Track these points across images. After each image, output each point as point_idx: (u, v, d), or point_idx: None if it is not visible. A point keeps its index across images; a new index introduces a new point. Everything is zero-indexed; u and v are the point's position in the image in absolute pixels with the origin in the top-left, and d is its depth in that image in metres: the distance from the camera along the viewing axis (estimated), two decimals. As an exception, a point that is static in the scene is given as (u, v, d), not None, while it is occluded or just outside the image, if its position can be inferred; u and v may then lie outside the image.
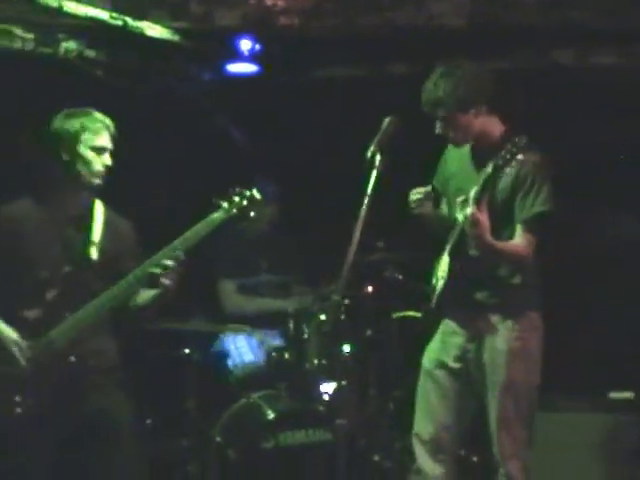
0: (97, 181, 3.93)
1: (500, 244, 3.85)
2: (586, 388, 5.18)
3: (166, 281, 3.84)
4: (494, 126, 3.97)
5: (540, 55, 5.79)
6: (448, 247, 3.96)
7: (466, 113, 3.88)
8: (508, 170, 3.75)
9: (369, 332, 5.37)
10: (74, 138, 3.88)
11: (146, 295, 4.01)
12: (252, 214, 4.07)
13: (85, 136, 3.88)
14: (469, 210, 3.73)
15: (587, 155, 5.88)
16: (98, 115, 3.94)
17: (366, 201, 3.84)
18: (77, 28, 5.27)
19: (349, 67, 5.93)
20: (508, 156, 3.68)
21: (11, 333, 3.79)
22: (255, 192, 4.08)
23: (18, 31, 5.12)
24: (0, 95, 5.28)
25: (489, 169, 3.73)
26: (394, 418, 5.39)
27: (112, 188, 3.97)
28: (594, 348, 5.74)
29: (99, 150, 3.90)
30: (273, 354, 5.26)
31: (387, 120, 3.95)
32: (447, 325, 4.09)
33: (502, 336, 3.91)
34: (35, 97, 5.38)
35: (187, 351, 5.14)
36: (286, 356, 5.20)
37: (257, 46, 5.67)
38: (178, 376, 5.20)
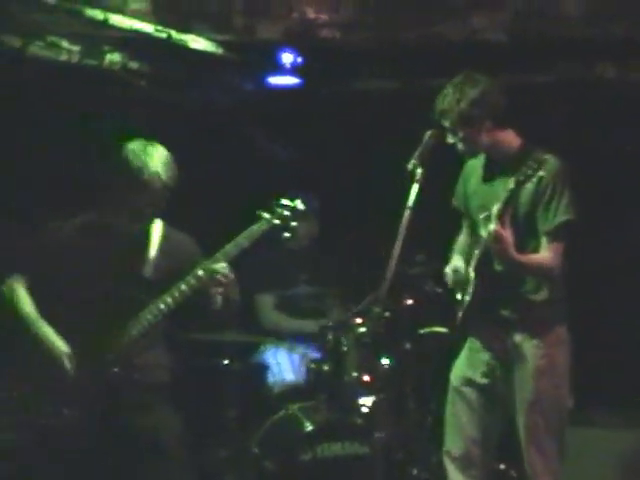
0: (152, 211, 4.03)
1: (525, 258, 3.86)
2: (623, 403, 5.17)
3: (217, 292, 3.91)
4: (507, 139, 3.99)
5: (584, 68, 5.79)
6: (473, 263, 3.97)
7: (470, 128, 3.91)
8: (529, 184, 3.77)
9: (408, 345, 5.42)
10: (133, 174, 3.91)
11: (217, 303, 4.04)
12: (294, 225, 4.10)
13: (144, 177, 3.90)
14: (492, 226, 3.75)
15: (627, 168, 5.88)
16: (158, 156, 3.95)
17: (407, 214, 3.90)
18: (121, 40, 5.38)
19: (390, 80, 5.97)
20: (530, 172, 3.70)
21: (61, 344, 3.88)
22: (298, 203, 4.12)
23: (64, 43, 5.23)
24: (45, 106, 5.43)
25: (512, 185, 3.74)
26: (432, 432, 5.39)
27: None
28: (631, 362, 5.67)
29: (155, 191, 3.95)
30: (312, 366, 5.27)
31: (428, 133, 4.00)
32: (473, 342, 4.11)
33: (528, 354, 3.92)
34: (80, 108, 5.53)
35: (227, 362, 5.21)
36: (325, 368, 5.20)
37: (299, 59, 5.74)
38: (217, 387, 5.26)
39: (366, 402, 5.21)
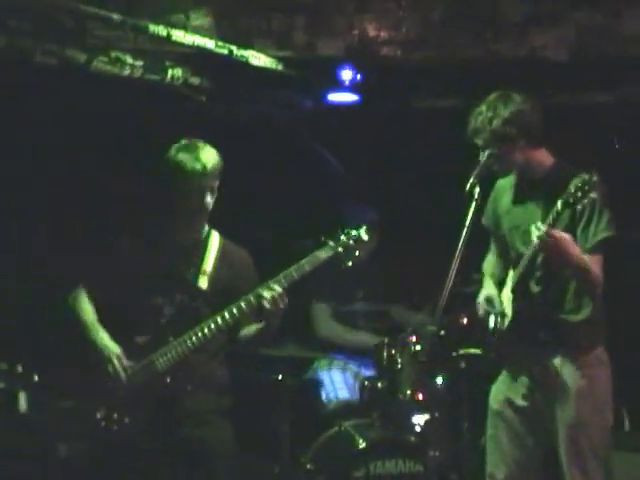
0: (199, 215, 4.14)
1: (587, 262, 3.82)
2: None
3: (269, 306, 3.98)
4: (541, 159, 3.99)
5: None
6: (511, 284, 3.97)
7: (503, 146, 3.92)
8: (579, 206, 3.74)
9: (462, 364, 5.41)
10: (176, 173, 4.07)
11: (247, 331, 4.20)
12: (357, 254, 4.16)
13: (184, 173, 4.05)
14: (557, 232, 3.72)
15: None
16: (203, 153, 4.08)
17: (464, 232, 3.88)
18: (184, 56, 5.50)
19: (450, 98, 6.00)
20: (579, 194, 3.64)
21: (115, 348, 4.02)
22: (362, 232, 4.17)
23: (128, 59, 5.37)
24: (108, 120, 5.61)
25: (559, 207, 3.70)
26: (485, 452, 5.41)
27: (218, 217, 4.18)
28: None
29: (197, 189, 4.07)
30: (366, 383, 5.34)
31: (487, 152, 3.96)
32: (512, 364, 4.10)
33: (568, 375, 3.92)
34: (142, 123, 5.74)
35: (280, 377, 5.25)
36: (379, 385, 5.28)
37: (358, 76, 5.79)
38: (271, 402, 5.30)
39: (420, 420, 5.31)
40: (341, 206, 5.95)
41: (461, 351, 5.46)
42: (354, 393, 5.57)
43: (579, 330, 3.93)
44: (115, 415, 3.95)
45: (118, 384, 3.97)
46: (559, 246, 3.72)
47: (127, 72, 5.38)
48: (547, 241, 3.71)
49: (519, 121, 3.91)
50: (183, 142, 4.14)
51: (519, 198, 4.05)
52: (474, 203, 3.91)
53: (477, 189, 3.92)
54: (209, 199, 4.09)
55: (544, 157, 4.00)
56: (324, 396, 5.67)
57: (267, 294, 3.97)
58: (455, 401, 5.39)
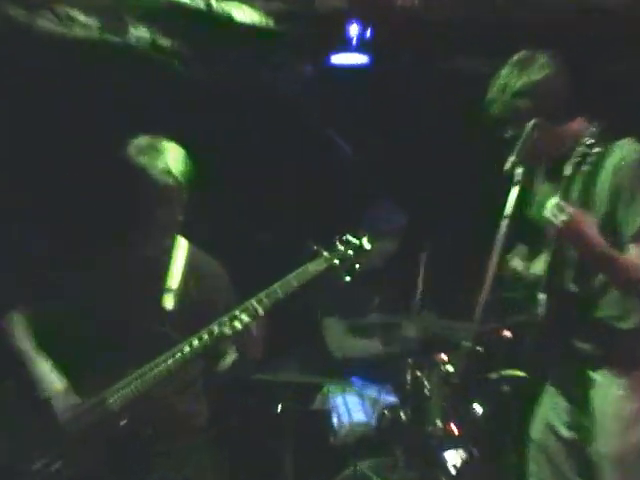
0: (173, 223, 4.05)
1: (612, 251, 3.62)
2: None
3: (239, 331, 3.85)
4: (574, 131, 3.79)
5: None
6: (543, 282, 3.81)
7: (518, 121, 3.78)
8: (603, 176, 3.63)
9: (506, 387, 5.23)
10: (139, 183, 3.93)
11: (225, 363, 4.08)
12: (357, 267, 3.98)
13: (148, 177, 3.91)
14: (567, 211, 3.53)
15: None
16: (171, 160, 3.94)
17: (504, 224, 3.69)
18: (149, 12, 5.36)
19: (480, 56, 5.69)
20: (585, 149, 3.58)
21: (59, 383, 3.87)
22: (364, 241, 3.98)
23: (80, 16, 5.24)
24: (55, 91, 5.47)
25: (568, 172, 3.62)
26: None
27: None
28: None
29: (166, 203, 3.97)
30: (386, 413, 5.23)
31: (531, 123, 3.72)
32: (552, 384, 3.96)
33: (613, 397, 3.74)
34: (100, 95, 5.60)
35: (280, 406, 5.17)
36: (402, 416, 5.14)
37: (367, 32, 5.66)
38: (272, 437, 5.26)
39: (454, 458, 5.16)
40: (367, 205, 5.94)
41: (502, 372, 5.34)
42: (371, 419, 5.45)
43: (625, 341, 3.74)
44: (61, 458, 3.82)
45: (63, 424, 3.85)
46: (575, 224, 3.53)
47: (80, 33, 5.28)
48: (561, 218, 3.53)
49: (535, 94, 3.75)
50: (143, 141, 3.99)
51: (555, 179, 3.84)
52: (516, 187, 3.72)
53: (519, 170, 3.72)
54: (179, 216, 4.01)
55: (577, 128, 3.77)
56: (335, 421, 5.54)
57: (247, 319, 3.84)
58: (498, 433, 5.25)
